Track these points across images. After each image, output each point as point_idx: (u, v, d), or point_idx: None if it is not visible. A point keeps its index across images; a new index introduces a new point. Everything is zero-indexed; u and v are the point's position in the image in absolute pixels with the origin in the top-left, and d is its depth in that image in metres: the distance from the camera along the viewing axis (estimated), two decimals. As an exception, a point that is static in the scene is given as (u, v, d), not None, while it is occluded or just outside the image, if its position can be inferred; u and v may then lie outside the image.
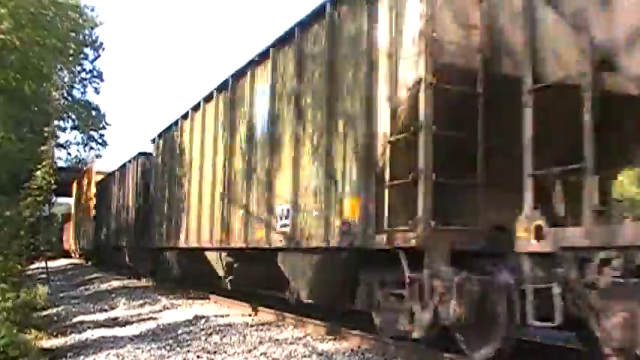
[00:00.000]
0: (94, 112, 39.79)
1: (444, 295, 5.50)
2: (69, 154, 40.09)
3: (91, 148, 41.53)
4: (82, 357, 7.44)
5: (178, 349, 7.59)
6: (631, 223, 4.80)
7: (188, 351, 7.40)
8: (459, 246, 5.66)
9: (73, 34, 18.08)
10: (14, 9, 12.11)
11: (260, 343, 7.73)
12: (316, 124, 7.56)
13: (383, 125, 6.23)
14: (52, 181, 12.12)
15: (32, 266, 20.45)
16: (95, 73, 40.01)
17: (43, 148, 13.31)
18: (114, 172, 23.54)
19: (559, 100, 5.03)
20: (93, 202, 27.96)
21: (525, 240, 5.00)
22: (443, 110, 5.70)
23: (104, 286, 18.12)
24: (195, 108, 12.90)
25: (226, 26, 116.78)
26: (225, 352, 7.32)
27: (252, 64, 9.74)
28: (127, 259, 20.07)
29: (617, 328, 4.32)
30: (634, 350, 4.26)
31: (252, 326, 9.13)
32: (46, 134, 13.88)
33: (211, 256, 11.38)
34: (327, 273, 7.40)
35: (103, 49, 40.05)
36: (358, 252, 6.68)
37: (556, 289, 4.73)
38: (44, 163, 11.94)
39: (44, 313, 12.32)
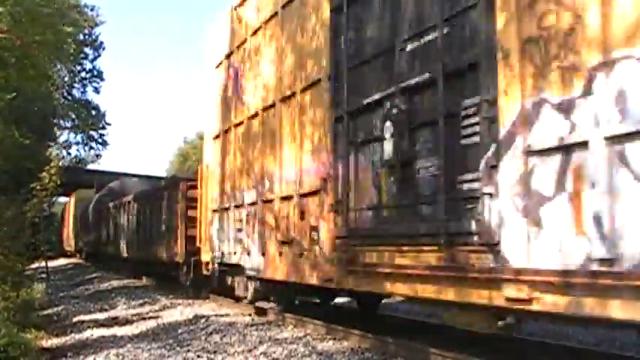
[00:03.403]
0: (93, 112, 39.89)
1: None
2: (69, 153, 40.20)
3: (91, 147, 41.69)
4: (82, 356, 7.44)
5: (178, 348, 7.59)
6: None
7: (188, 351, 7.40)
8: None
9: (70, 29, 18.00)
10: (13, 7, 12.10)
11: (260, 342, 7.73)
12: None
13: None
14: (59, 182, 12.12)
15: (32, 266, 20.43)
16: (95, 72, 40.12)
17: (50, 149, 13.30)
18: None
19: None
20: None
21: None
22: None
23: (104, 286, 18.12)
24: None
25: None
26: (226, 351, 7.32)
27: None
28: None
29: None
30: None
31: (252, 326, 9.13)
32: (55, 137, 13.98)
33: None
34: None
35: (104, 48, 40.18)
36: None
37: None
38: (52, 164, 11.94)
39: (44, 312, 12.31)
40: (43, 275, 19.89)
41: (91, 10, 35.46)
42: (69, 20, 19.10)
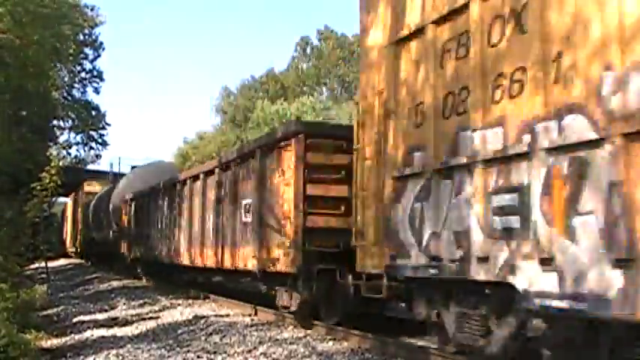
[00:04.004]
0: (93, 112, 39.92)
1: None
2: (69, 154, 40.19)
3: (91, 148, 41.72)
4: (81, 357, 7.44)
5: (178, 349, 7.58)
6: None
7: (188, 351, 7.39)
8: None
9: (68, 27, 18.04)
10: (13, 7, 12.12)
11: (260, 343, 7.72)
12: None
13: None
14: (59, 183, 12.12)
15: (32, 266, 20.45)
16: (95, 73, 40.14)
17: (50, 150, 13.26)
18: None
19: None
20: None
21: None
22: None
23: (104, 286, 18.11)
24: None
25: (232, 24, 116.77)
26: (225, 352, 7.31)
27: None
28: None
29: None
30: None
31: (252, 326, 9.12)
32: (55, 137, 13.94)
33: None
34: None
35: (103, 49, 40.20)
36: None
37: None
38: (52, 165, 11.96)
39: (44, 313, 12.31)
40: (43, 276, 19.89)
41: (91, 10, 35.47)
42: (69, 20, 19.14)
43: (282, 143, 9.14)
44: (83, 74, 39.14)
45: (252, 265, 9.89)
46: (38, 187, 11.69)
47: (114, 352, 7.45)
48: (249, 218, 10.20)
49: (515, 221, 5.02)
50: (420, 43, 6.43)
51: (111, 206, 23.27)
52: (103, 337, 8.86)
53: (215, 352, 7.28)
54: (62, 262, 34.42)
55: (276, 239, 9.12)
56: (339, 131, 9.15)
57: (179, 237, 14.40)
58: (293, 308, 9.07)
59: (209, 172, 12.65)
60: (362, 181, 7.21)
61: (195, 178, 13.56)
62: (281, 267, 8.86)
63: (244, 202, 10.43)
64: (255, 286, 11.02)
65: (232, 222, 10.91)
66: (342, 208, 8.35)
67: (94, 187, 30.32)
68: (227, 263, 11.15)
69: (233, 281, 12.67)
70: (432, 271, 5.92)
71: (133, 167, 26.81)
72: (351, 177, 7.64)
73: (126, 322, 10.29)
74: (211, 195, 12.28)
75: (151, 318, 10.65)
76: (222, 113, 58.47)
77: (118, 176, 30.29)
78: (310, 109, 41.07)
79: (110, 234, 23.41)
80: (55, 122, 32.25)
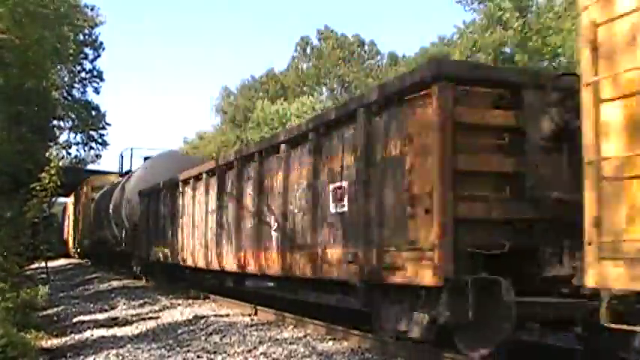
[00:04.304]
0: (93, 112, 39.97)
1: None
2: (69, 154, 40.20)
3: (91, 148, 41.74)
4: (81, 357, 7.44)
5: (178, 349, 7.59)
6: None
7: (188, 351, 7.39)
8: None
9: (67, 28, 18.08)
10: (13, 7, 12.14)
11: (260, 343, 7.72)
12: None
13: None
14: (59, 183, 12.14)
15: (32, 266, 20.45)
16: (95, 73, 40.18)
17: (50, 150, 13.27)
18: None
19: None
20: None
21: None
22: None
23: (104, 286, 18.12)
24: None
25: (231, 23, 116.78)
26: (225, 352, 7.31)
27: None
28: None
29: None
30: None
31: (252, 326, 9.11)
32: (55, 137, 13.94)
33: None
34: None
35: (103, 49, 40.22)
36: None
37: None
38: (52, 165, 11.99)
39: (44, 313, 12.31)
40: (43, 276, 19.89)
41: (91, 10, 35.49)
42: (69, 20, 19.17)
43: (414, 94, 6.08)
44: (83, 74, 39.17)
45: (349, 273, 7.07)
46: (38, 187, 11.70)
47: (114, 352, 7.45)
48: (343, 208, 7.33)
49: None
50: None
51: (112, 205, 21.78)
52: (103, 337, 8.86)
53: (215, 352, 7.28)
54: (62, 262, 34.41)
55: (396, 236, 6.27)
56: (500, 74, 6.56)
57: (221, 238, 11.37)
58: (414, 334, 6.29)
59: (271, 150, 9.39)
60: (598, 139, 4.15)
61: (248, 159, 10.27)
62: (409, 277, 6.02)
63: (333, 185, 7.54)
64: (348, 302, 8.44)
65: (311, 214, 7.93)
66: (507, 189, 5.83)
67: (96, 184, 28.93)
68: (306, 271, 8.11)
69: (308, 293, 10.21)
70: None
71: (145, 158, 25.29)
72: (517, 143, 5.73)
73: (126, 322, 10.29)
74: (274, 181, 9.15)
75: (150, 318, 10.65)
76: (222, 113, 58.55)
77: (117, 174, 29.95)
78: (310, 109, 41.10)
79: (109, 234, 22.64)
80: (55, 122, 32.26)
